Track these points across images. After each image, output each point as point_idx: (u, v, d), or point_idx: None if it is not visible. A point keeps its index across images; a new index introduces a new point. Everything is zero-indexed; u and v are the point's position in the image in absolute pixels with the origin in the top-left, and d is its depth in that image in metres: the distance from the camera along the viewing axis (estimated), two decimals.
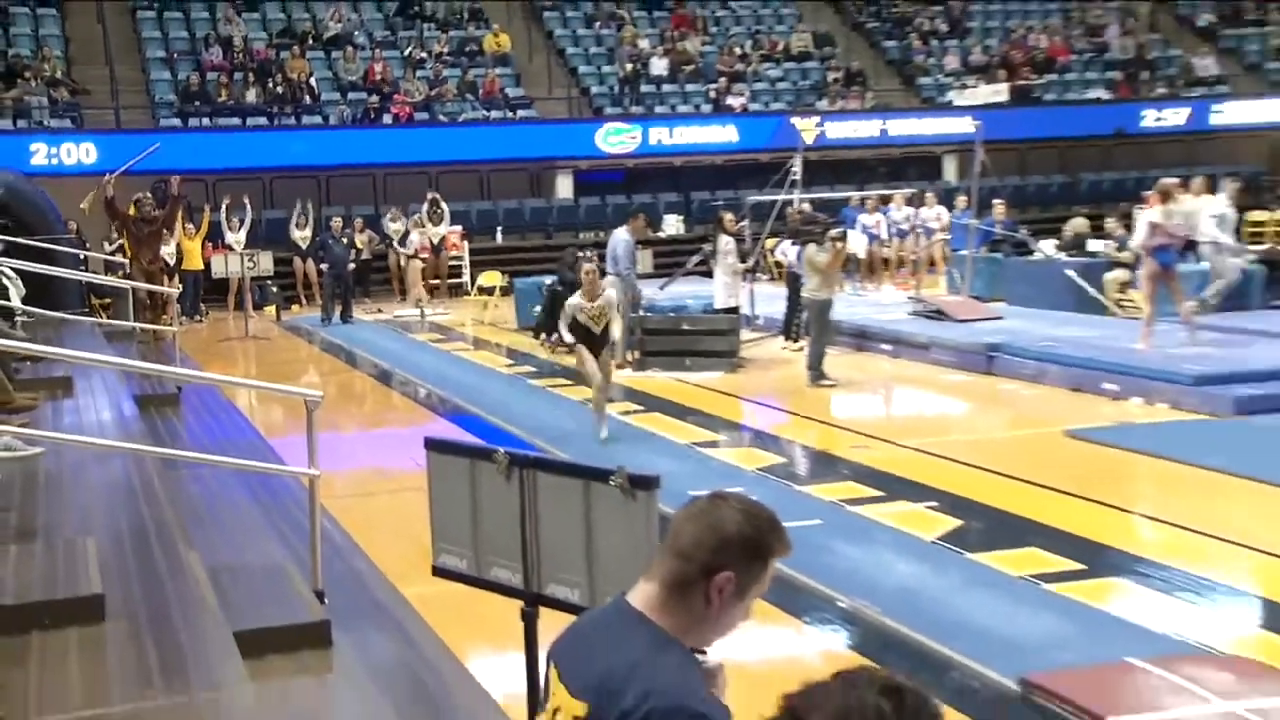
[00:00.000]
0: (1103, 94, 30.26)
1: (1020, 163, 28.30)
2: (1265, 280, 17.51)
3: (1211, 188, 17.75)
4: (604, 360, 11.66)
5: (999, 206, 20.97)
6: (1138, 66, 30.96)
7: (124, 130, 23.85)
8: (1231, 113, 29.87)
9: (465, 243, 24.85)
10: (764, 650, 6.78)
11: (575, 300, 11.66)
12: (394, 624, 6.56)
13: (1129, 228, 17.50)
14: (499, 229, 26.02)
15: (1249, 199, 21.85)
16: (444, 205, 24.01)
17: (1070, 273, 18.24)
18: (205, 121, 25.14)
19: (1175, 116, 29.59)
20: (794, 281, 16.63)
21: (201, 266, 21.89)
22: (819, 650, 6.97)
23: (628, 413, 13.29)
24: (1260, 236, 19.67)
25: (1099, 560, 8.14)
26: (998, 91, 28.66)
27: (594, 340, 11.55)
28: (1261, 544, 8.37)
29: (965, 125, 23.57)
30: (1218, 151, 28.85)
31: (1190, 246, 16.76)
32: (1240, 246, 17.77)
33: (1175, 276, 14.49)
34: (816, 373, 14.52)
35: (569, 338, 11.81)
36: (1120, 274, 17.41)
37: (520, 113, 26.90)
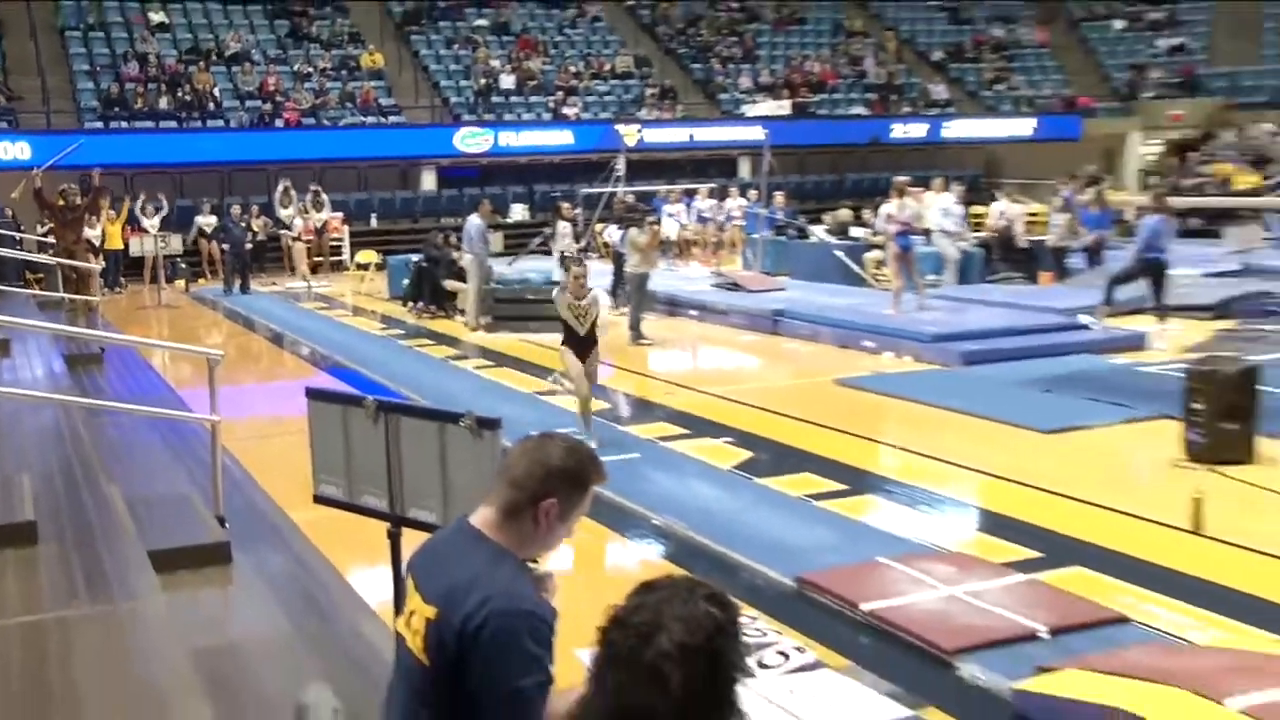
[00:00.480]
0: (862, 111, 30.78)
1: (799, 164, 28.61)
2: (983, 260, 18.13)
3: (948, 187, 18.28)
4: (591, 361, 9.29)
5: (780, 198, 21.21)
6: (888, 90, 31.55)
7: (53, 131, 22.65)
8: (957, 129, 30.61)
9: (346, 226, 24.38)
10: (595, 560, 6.83)
11: (564, 297, 9.29)
12: (284, 544, 6.45)
13: None
14: (374, 215, 25.51)
15: (971, 196, 22.59)
16: (324, 195, 23.59)
17: (838, 253, 18.61)
18: (124, 124, 24.11)
19: (916, 130, 30.21)
20: (618, 259, 16.64)
21: (122, 246, 21.22)
22: (638, 559, 7.03)
23: (480, 367, 13.18)
24: (979, 226, 20.34)
25: (859, 481, 8.35)
26: (781, 107, 28.94)
27: (582, 342, 9.26)
28: (979, 466, 8.70)
29: (756, 133, 23.79)
30: (948, 159, 29.59)
31: (928, 233, 17.29)
32: (965, 233, 18.33)
33: (913, 258, 14.89)
34: (636, 333, 14.59)
35: (574, 365, 9.23)
36: (875, 254, 17.79)
37: (391, 119, 26.33)
